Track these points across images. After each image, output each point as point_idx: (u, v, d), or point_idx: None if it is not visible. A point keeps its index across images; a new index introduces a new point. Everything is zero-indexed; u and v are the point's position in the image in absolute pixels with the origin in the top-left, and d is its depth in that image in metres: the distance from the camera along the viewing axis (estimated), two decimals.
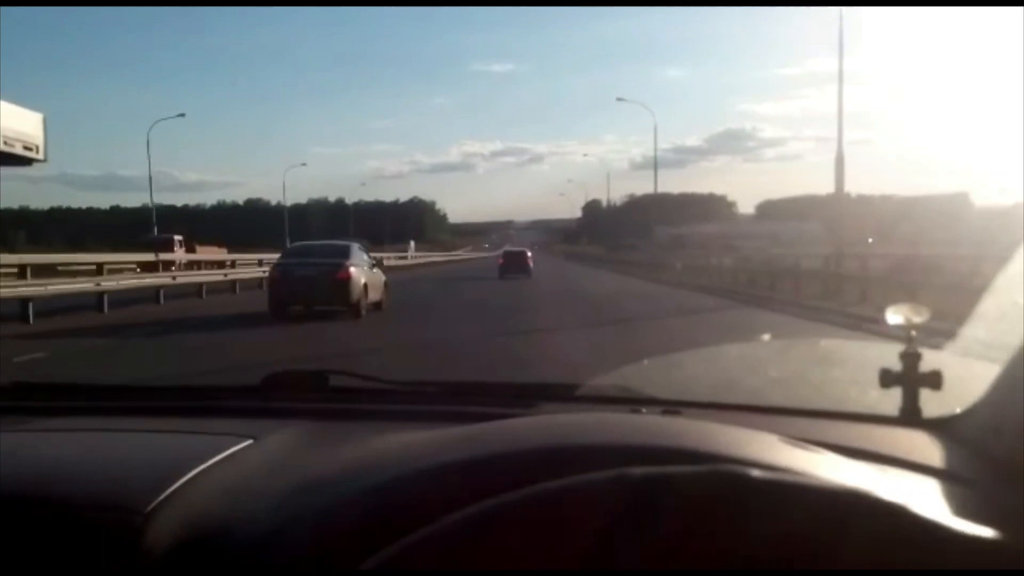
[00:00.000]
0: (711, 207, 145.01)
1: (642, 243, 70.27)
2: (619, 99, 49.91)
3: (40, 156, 3.22)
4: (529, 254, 36.70)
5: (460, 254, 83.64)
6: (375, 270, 14.05)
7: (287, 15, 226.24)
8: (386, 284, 14.31)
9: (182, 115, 40.31)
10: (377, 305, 13.49)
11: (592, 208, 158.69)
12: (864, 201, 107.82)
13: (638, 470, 0.54)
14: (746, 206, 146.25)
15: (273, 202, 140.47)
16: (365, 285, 12.92)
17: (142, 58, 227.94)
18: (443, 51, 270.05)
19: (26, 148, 3.12)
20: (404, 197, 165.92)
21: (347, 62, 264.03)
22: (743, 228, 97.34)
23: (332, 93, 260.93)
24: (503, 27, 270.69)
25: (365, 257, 13.83)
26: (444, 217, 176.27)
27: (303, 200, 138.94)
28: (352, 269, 12.76)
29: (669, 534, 0.52)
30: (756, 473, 0.53)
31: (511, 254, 33.43)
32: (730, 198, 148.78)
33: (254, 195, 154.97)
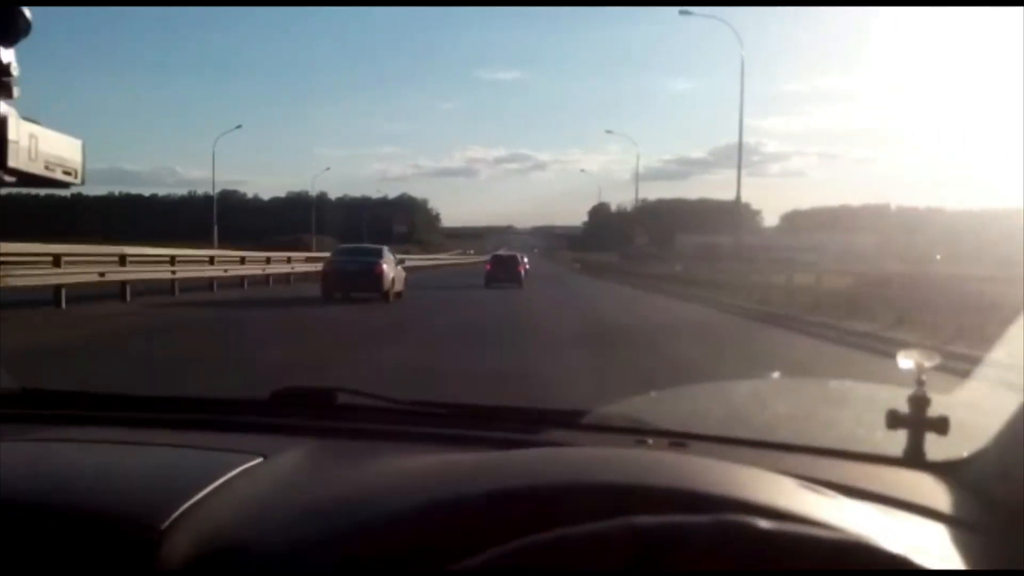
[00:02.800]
0: (733, 215, 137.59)
1: (663, 252, 63.34)
2: (608, 131, 51.67)
3: (78, 180, 1.30)
4: (525, 260, 35.05)
5: (445, 257, 77.73)
6: (399, 267, 20.22)
7: (296, 17, 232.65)
8: (405, 278, 20.56)
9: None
10: (399, 294, 19.36)
11: (600, 213, 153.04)
12: (908, 214, 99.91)
13: (644, 520, 0.56)
14: (767, 216, 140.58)
15: (250, 195, 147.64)
16: (393, 279, 19.01)
17: (151, 57, 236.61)
18: (451, 57, 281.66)
19: (65, 173, 1.25)
20: (404, 196, 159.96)
21: (354, 66, 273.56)
22: (778, 239, 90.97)
23: (339, 96, 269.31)
24: (512, 35, 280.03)
25: (392, 257, 20.00)
26: (437, 217, 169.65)
27: (282, 194, 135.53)
28: (385, 266, 18.85)
29: None
30: (762, 524, 0.55)
31: (500, 259, 30.72)
32: (754, 206, 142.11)
33: (236, 189, 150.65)
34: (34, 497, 0.86)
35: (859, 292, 16.68)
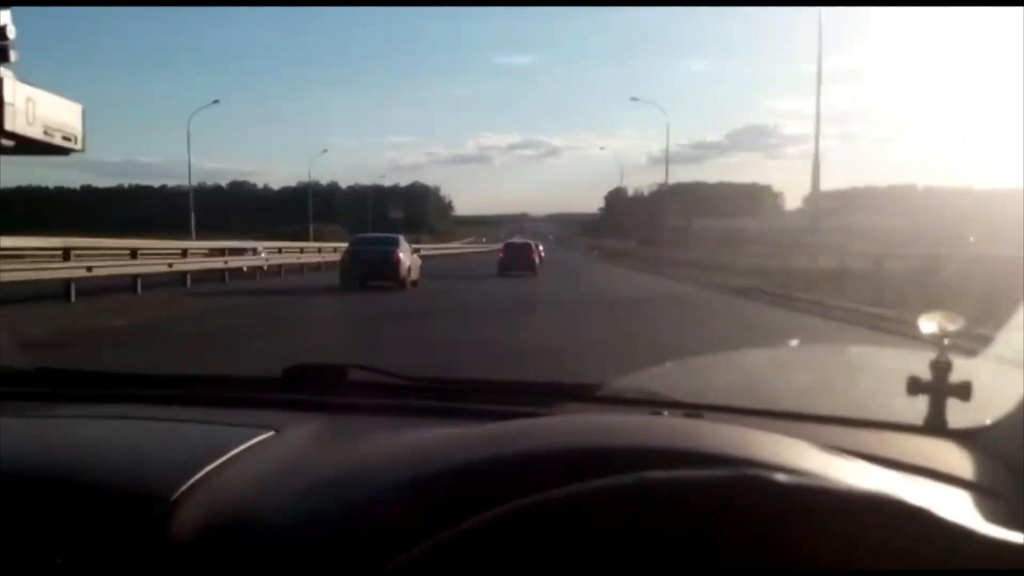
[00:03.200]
0: (753, 198, 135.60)
1: (684, 237, 61.22)
2: (633, 99, 48.68)
3: (78, 146, 1.34)
4: (540, 247, 34.36)
5: (456, 246, 74.23)
6: (414, 255, 21.10)
7: (308, 8, 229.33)
8: (420, 266, 21.73)
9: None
10: (415, 282, 20.14)
11: (616, 198, 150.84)
12: (935, 194, 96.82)
13: (659, 474, 0.56)
14: (788, 199, 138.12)
15: (260, 184, 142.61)
16: (409, 267, 19.80)
17: (165, 50, 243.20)
18: (464, 43, 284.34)
19: (65, 138, 1.28)
20: (416, 184, 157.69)
21: (367, 55, 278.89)
22: (800, 222, 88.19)
23: (352, 84, 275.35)
24: (524, 19, 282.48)
25: (408, 246, 20.82)
26: (449, 205, 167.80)
27: (292, 183, 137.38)
28: (401, 254, 19.55)
29: (691, 538, 0.53)
30: (781, 477, 0.55)
31: (513, 247, 30.00)
32: (775, 188, 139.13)
33: (248, 179, 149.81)
34: (46, 470, 0.88)
35: (933, 279, 14.47)
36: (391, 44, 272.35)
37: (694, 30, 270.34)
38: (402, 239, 21.05)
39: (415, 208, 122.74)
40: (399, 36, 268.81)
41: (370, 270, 19.10)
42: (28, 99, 0.77)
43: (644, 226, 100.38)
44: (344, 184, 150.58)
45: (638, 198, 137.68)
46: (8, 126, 0.74)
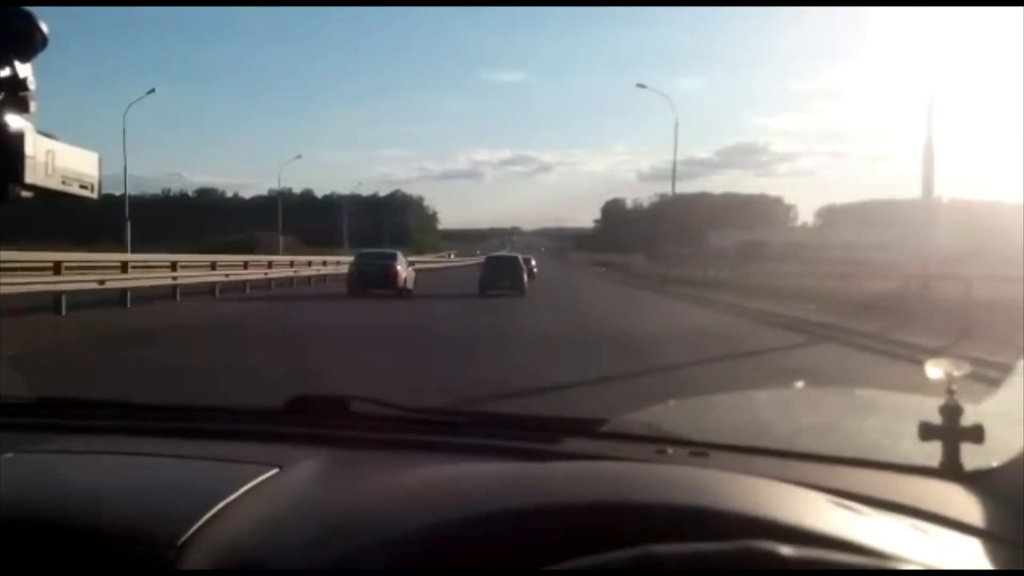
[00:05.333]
0: (763, 210, 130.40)
1: (696, 251, 55.32)
2: (640, 86, 46.74)
3: (94, 195, 1.42)
4: (533, 262, 33.10)
5: (429, 260, 66.17)
6: (410, 268, 26.84)
7: (299, 19, 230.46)
8: (415, 277, 27.33)
9: (152, 91, 42.45)
10: (409, 292, 24.91)
11: (613, 210, 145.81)
12: (961, 207, 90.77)
13: (666, 549, 0.57)
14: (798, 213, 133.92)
15: (229, 193, 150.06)
16: (405, 278, 25.12)
17: (157, 62, 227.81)
18: (456, 59, 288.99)
19: (82, 187, 1.21)
20: (397, 194, 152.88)
21: (359, 68, 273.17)
22: (821, 236, 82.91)
23: (344, 98, 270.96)
24: (516, 35, 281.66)
25: (405, 260, 26.67)
26: (434, 216, 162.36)
27: (264, 192, 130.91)
28: (399, 267, 25.02)
29: None
30: (785, 551, 0.56)
31: (496, 262, 27.65)
32: (787, 200, 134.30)
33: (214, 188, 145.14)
34: (50, 513, 0.90)
35: None
36: (383, 59, 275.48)
37: (684, 48, 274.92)
38: (399, 255, 26.94)
39: (396, 219, 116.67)
40: (391, 51, 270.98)
41: (372, 280, 23.92)
42: (48, 151, 0.81)
43: (647, 240, 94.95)
44: (320, 193, 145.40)
45: (637, 210, 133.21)
46: (28, 179, 0.79)
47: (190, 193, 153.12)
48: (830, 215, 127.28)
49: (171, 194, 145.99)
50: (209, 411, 1.50)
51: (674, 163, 45.81)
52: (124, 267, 20.06)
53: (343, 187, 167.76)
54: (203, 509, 0.89)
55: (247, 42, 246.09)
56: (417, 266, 32.50)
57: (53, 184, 0.82)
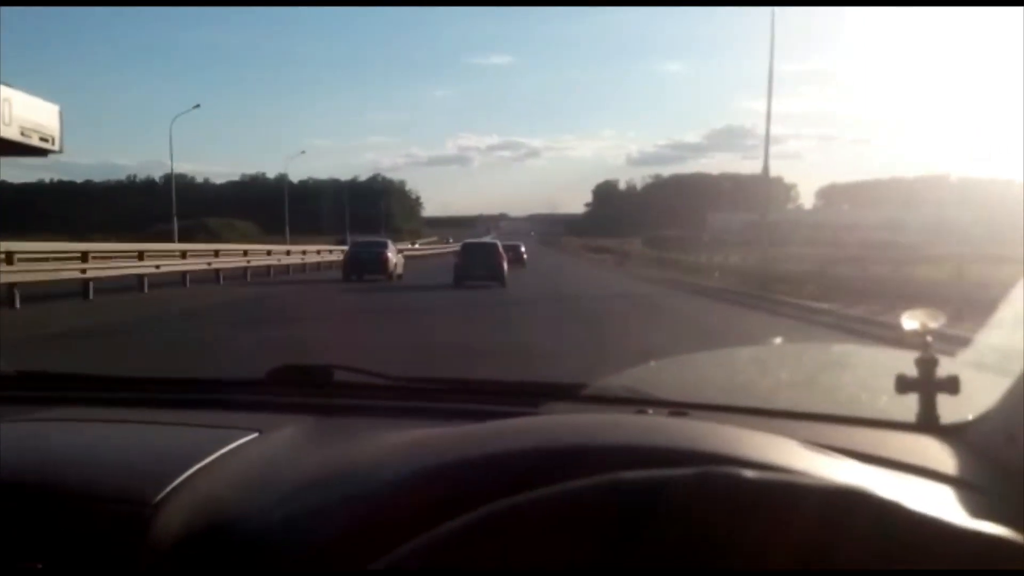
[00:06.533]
0: (763, 191, 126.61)
1: (698, 234, 51.73)
2: None
3: (56, 147, 1.79)
4: (522, 248, 34.33)
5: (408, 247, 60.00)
6: (400, 255, 30.25)
7: (285, 8, 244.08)
8: (404, 263, 30.72)
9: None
10: (399, 276, 28.03)
11: (606, 192, 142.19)
12: (971, 185, 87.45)
13: (631, 474, 0.59)
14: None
15: (200, 179, 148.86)
16: (395, 264, 28.13)
17: (142, 52, 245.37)
18: (442, 43, 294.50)
19: (42, 139, 1.54)
20: (377, 178, 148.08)
21: (345, 54, 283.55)
22: (827, 216, 79.63)
23: (330, 85, 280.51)
24: (503, 20, 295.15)
25: (395, 248, 30.35)
26: (417, 202, 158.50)
27: (236, 178, 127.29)
28: (389, 254, 27.75)
29: (663, 538, 0.57)
30: (748, 474, 0.57)
31: (474, 249, 25.45)
32: (787, 179, 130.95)
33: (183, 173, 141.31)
34: (27, 476, 0.93)
35: None
36: (369, 46, 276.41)
37: (670, 31, 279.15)
38: (390, 243, 30.25)
39: (377, 205, 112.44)
40: (376, 37, 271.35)
41: (365, 266, 26.62)
42: (5, 99, 0.69)
43: (641, 223, 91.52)
44: (296, 179, 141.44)
45: (631, 191, 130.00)
46: None
47: (157, 179, 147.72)
48: (830, 194, 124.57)
49: (136, 180, 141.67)
50: (191, 382, 1.52)
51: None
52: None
53: (330, 175, 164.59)
54: (180, 469, 0.91)
55: (231, 30, 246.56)
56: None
57: (11, 134, 0.71)
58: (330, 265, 35.27)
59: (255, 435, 1.05)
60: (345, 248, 31.53)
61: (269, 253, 32.25)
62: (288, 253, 33.91)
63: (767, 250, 31.38)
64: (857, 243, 38.72)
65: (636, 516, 0.56)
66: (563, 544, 0.57)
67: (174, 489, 0.87)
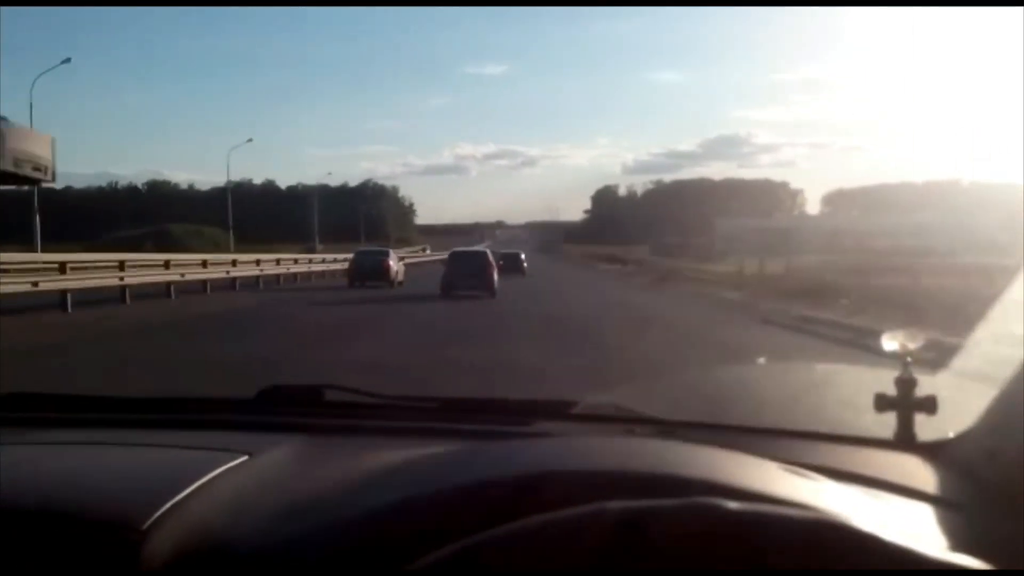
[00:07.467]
0: (769, 196, 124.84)
1: (704, 242, 49.06)
2: None
3: (48, 177, 2.19)
4: (523, 256, 36.12)
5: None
6: (401, 263, 33.76)
7: (281, 17, 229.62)
8: (405, 271, 34.23)
9: (68, 60, 42.19)
10: (400, 283, 30.75)
11: (606, 198, 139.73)
12: (983, 190, 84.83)
13: (617, 504, 0.60)
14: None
15: (184, 185, 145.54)
16: (396, 271, 31.08)
17: (136, 59, 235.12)
18: (438, 53, 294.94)
19: (35, 169, 3.36)
20: (369, 184, 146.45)
21: (342, 63, 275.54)
22: (836, 222, 77.04)
23: (326, 94, 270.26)
24: (498, 29, 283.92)
25: (396, 256, 33.74)
26: (411, 208, 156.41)
27: (221, 184, 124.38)
28: (391, 262, 30.58)
29: (646, 569, 0.59)
30: (731, 505, 0.59)
31: (461, 258, 24.75)
32: (793, 185, 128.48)
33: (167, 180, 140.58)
34: (16, 501, 0.93)
35: None
36: (365, 56, 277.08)
37: (665, 41, 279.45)
38: (391, 252, 34.16)
39: (368, 211, 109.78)
40: (373, 47, 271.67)
41: (368, 273, 29.43)
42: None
43: (643, 229, 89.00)
44: (283, 184, 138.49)
45: (631, 197, 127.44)
46: None
47: (139, 185, 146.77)
48: (838, 199, 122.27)
49: (118, 186, 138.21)
50: (181, 402, 1.52)
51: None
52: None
53: (319, 182, 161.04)
54: (170, 494, 0.92)
55: (229, 37, 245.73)
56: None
57: (4, 166, 0.64)
58: (295, 277, 33.90)
59: (245, 457, 1.06)
60: (312, 257, 35.61)
61: (234, 263, 29.95)
62: (235, 264, 30.03)
63: (791, 258, 28.73)
64: (889, 250, 36.21)
65: (619, 547, 0.57)
66: (553, 570, 0.57)
67: (164, 513, 0.88)
